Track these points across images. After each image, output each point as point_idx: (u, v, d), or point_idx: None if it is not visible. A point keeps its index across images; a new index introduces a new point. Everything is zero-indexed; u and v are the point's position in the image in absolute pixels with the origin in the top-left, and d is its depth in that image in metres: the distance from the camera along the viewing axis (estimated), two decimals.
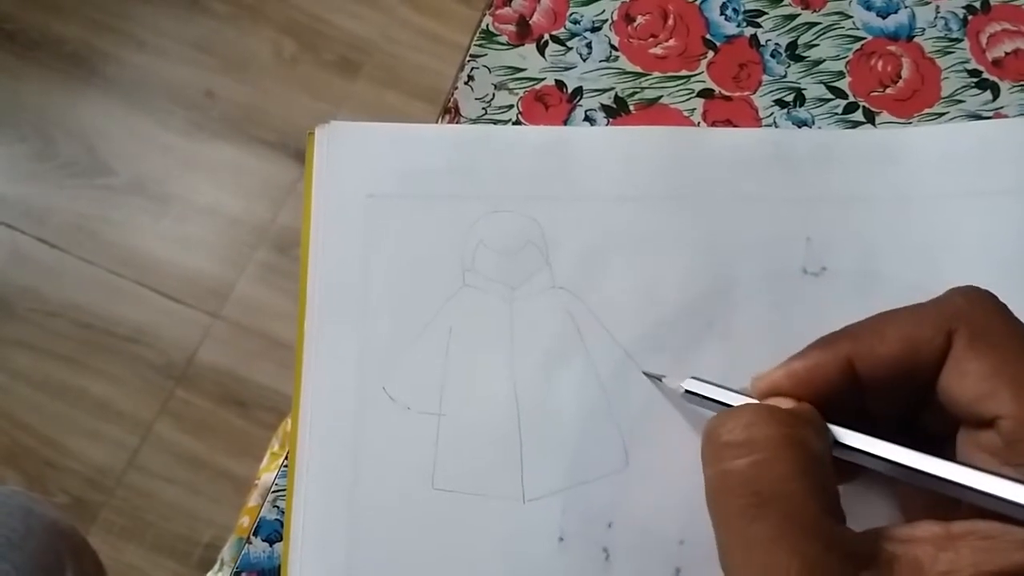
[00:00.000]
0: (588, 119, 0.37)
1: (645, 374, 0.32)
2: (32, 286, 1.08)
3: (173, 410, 1.03)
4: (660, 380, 0.32)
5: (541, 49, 0.38)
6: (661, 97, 0.38)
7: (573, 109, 0.38)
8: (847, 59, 0.38)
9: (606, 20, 0.39)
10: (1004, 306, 0.26)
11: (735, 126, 0.37)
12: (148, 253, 1.09)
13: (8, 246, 1.09)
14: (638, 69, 0.38)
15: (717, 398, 0.29)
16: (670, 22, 0.39)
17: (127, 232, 1.10)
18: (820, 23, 0.39)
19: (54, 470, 1.01)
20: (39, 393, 1.04)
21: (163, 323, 1.06)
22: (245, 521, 0.54)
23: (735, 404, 0.28)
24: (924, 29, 0.39)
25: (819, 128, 0.37)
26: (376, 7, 1.20)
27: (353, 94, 1.16)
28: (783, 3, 0.39)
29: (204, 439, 1.01)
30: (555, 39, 0.39)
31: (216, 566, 0.54)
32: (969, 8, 0.39)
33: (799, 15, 0.39)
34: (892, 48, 0.39)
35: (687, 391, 0.30)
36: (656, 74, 0.38)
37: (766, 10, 0.39)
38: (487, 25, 0.39)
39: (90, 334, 1.06)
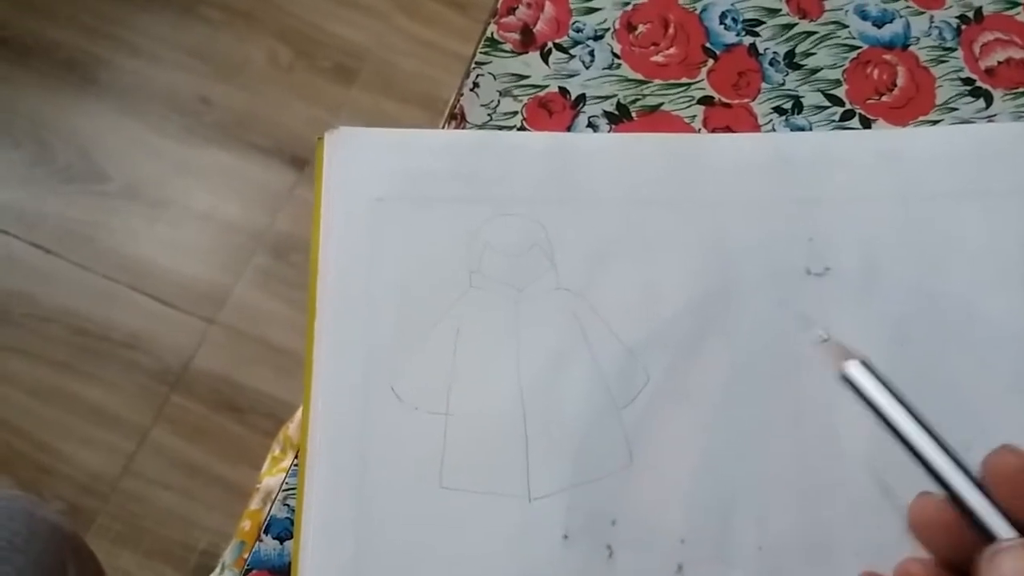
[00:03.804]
0: (591, 125, 0.38)
1: (800, 320, 0.29)
2: (26, 291, 1.08)
3: (169, 416, 1.02)
4: (823, 339, 0.27)
5: (545, 57, 0.39)
6: (662, 104, 0.38)
7: (576, 116, 0.38)
8: (844, 67, 0.39)
9: (608, 28, 0.40)
10: None
11: (735, 133, 0.38)
12: (143, 258, 1.09)
13: (2, 251, 1.09)
14: (640, 76, 0.39)
15: (884, 411, 0.25)
16: (671, 31, 0.40)
17: (122, 237, 1.10)
18: (817, 32, 0.40)
19: (49, 476, 1.00)
20: (33, 399, 1.03)
21: (159, 329, 1.06)
22: (247, 524, 0.54)
23: (899, 421, 0.25)
24: (919, 38, 0.40)
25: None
26: (371, 15, 1.21)
27: (349, 101, 1.17)
28: (781, 13, 0.40)
29: (200, 445, 1.01)
30: (558, 47, 0.39)
31: (218, 569, 0.54)
32: (962, 18, 0.40)
33: (797, 24, 0.40)
34: (887, 57, 0.40)
35: (846, 376, 0.26)
36: (657, 81, 0.39)
37: (764, 19, 0.40)
38: (492, 33, 0.39)
39: (85, 340, 1.05)
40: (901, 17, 0.40)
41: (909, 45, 0.40)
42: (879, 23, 0.40)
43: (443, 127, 0.38)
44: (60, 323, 1.06)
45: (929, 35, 0.40)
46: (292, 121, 1.15)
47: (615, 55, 0.39)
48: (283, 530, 0.32)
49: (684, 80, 0.39)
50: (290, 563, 0.31)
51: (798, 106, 0.38)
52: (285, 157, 1.14)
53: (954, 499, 0.24)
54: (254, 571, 0.32)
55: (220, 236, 1.10)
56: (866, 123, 0.38)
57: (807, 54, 0.39)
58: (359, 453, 0.32)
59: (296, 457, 0.32)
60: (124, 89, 1.17)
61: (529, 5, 0.40)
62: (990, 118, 0.38)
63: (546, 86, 0.39)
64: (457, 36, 1.19)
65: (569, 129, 0.38)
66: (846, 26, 0.40)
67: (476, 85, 0.38)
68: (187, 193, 1.12)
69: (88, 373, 1.04)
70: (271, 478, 0.55)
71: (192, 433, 1.02)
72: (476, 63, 0.39)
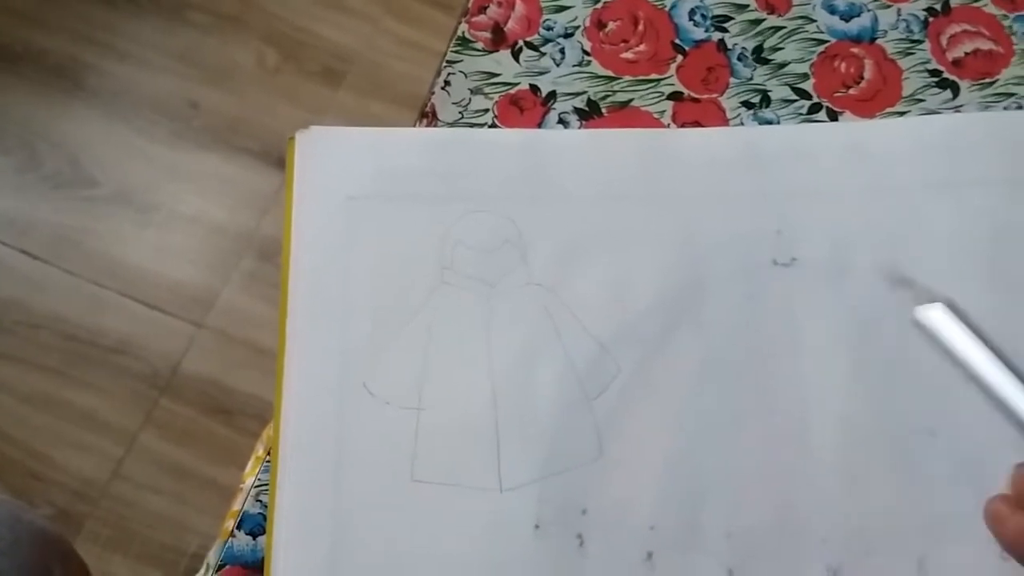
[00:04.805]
0: (562, 122, 0.38)
1: (894, 282, 0.30)
2: (16, 298, 1.08)
3: (158, 420, 1.02)
4: (911, 288, 0.29)
5: (516, 55, 0.39)
6: (632, 100, 0.39)
7: (547, 112, 0.39)
8: (811, 61, 0.40)
9: (578, 26, 0.40)
10: None
11: (704, 127, 0.38)
12: (132, 263, 1.09)
13: None
14: (610, 73, 0.39)
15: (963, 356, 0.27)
16: (640, 28, 0.40)
17: (111, 243, 1.10)
18: (785, 27, 0.40)
19: (39, 482, 1.00)
20: (23, 405, 1.03)
21: (147, 333, 1.06)
22: (230, 524, 0.55)
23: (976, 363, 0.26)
24: (886, 31, 0.40)
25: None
26: (358, 16, 1.21)
27: (336, 103, 1.17)
28: (749, 8, 0.41)
29: (189, 448, 1.01)
30: (529, 45, 0.40)
31: (203, 570, 0.54)
32: (930, 10, 0.41)
33: (765, 20, 0.40)
34: (855, 50, 0.40)
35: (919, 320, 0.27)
36: (627, 78, 0.39)
37: (733, 15, 0.40)
38: (463, 32, 0.40)
39: (74, 345, 1.05)
40: (869, 11, 0.41)
41: (876, 38, 0.40)
42: (847, 17, 0.40)
43: (415, 125, 0.38)
44: (50, 329, 1.06)
45: (896, 28, 0.40)
46: (280, 124, 1.15)
47: (585, 52, 0.40)
48: (256, 525, 0.33)
49: (653, 76, 0.39)
50: (263, 558, 0.31)
51: (766, 100, 0.39)
52: (272, 160, 1.14)
53: None
54: (227, 567, 0.32)
55: (208, 240, 1.10)
56: (833, 116, 0.39)
57: (775, 49, 0.40)
58: (331, 449, 0.32)
59: (269, 454, 0.32)
60: (113, 94, 1.17)
61: (500, 4, 0.40)
62: (957, 109, 0.39)
63: (517, 83, 0.39)
64: (444, 37, 1.20)
65: (540, 126, 0.38)
66: (814, 20, 0.40)
67: (447, 83, 0.39)
68: (176, 197, 1.12)
69: (78, 379, 1.04)
70: (254, 478, 0.55)
71: (181, 436, 1.02)
72: (447, 62, 0.39)
